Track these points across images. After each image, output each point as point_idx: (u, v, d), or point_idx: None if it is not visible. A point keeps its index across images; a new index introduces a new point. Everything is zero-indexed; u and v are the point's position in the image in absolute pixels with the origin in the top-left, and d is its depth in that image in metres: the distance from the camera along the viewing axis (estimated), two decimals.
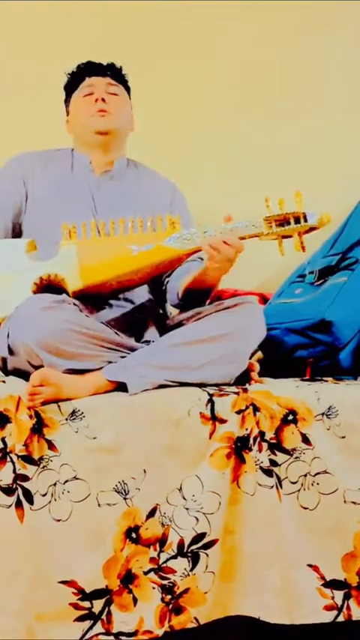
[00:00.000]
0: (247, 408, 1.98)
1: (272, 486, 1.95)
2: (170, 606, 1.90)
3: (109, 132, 2.34)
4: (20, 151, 2.41)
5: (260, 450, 1.96)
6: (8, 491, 1.84)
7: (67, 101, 2.42)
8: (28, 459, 1.86)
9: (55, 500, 1.87)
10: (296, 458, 1.99)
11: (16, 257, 2.16)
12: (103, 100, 2.32)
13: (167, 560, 1.91)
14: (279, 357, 2.56)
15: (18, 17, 2.97)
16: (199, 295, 2.21)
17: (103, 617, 1.87)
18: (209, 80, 3.06)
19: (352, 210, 2.91)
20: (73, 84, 2.39)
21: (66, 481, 1.88)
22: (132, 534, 1.91)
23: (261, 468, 1.95)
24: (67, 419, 1.90)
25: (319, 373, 2.49)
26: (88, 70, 2.37)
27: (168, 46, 2.98)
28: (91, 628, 1.86)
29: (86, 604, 1.86)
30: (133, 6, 2.98)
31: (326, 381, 2.30)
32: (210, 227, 2.06)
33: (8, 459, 1.85)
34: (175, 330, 2.13)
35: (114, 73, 2.38)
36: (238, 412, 1.98)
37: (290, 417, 2.01)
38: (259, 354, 2.44)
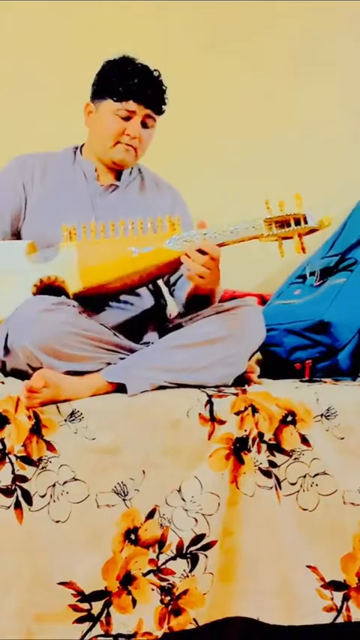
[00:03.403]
0: (246, 409, 1.98)
1: (271, 487, 1.95)
2: (169, 608, 1.89)
3: (126, 165, 2.32)
4: (20, 151, 2.40)
5: (259, 451, 1.96)
6: (7, 492, 1.84)
7: (98, 91, 2.26)
8: (27, 459, 1.86)
9: (54, 501, 1.87)
10: (295, 459, 1.99)
11: (16, 259, 2.16)
12: (135, 137, 2.23)
13: (166, 561, 1.91)
14: (278, 358, 2.57)
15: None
16: (198, 302, 2.19)
17: (102, 618, 1.87)
18: (208, 82, 3.06)
19: (351, 211, 2.92)
20: (116, 87, 2.21)
21: (65, 482, 1.88)
22: (131, 535, 1.91)
23: (260, 469, 1.95)
24: (66, 420, 1.90)
25: (318, 374, 2.49)
26: (136, 93, 2.20)
27: (167, 47, 2.98)
28: (90, 629, 1.86)
29: (85, 605, 1.86)
30: (130, 5, 3.00)
31: (325, 382, 2.30)
32: (210, 229, 2.06)
33: (7, 459, 1.85)
34: (174, 331, 2.13)
35: (158, 105, 2.25)
36: (237, 413, 1.98)
37: (289, 418, 2.01)
38: (258, 355, 2.44)
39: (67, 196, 2.29)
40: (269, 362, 2.58)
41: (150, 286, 2.29)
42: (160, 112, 2.28)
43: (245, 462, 1.95)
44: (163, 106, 2.28)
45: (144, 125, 2.25)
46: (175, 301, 2.32)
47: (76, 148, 2.38)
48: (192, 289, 2.17)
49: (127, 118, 2.23)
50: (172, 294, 2.33)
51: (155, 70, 2.27)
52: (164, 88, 2.27)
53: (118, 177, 2.33)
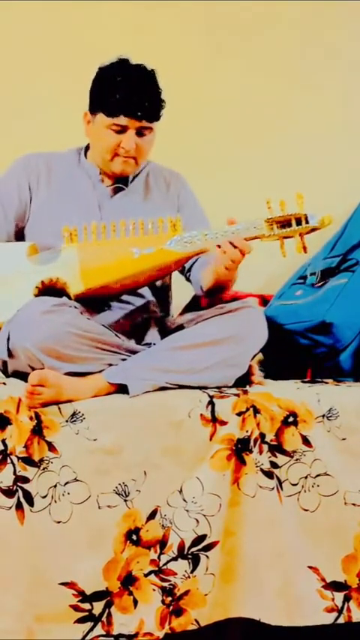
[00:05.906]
0: (247, 409, 1.98)
1: (273, 488, 1.95)
2: (171, 608, 1.90)
3: (127, 174, 2.30)
4: (22, 152, 2.40)
5: (261, 452, 1.96)
6: (9, 493, 1.84)
7: (92, 103, 2.24)
8: (28, 460, 1.86)
9: (56, 502, 1.87)
10: (297, 460, 1.99)
11: (18, 260, 2.16)
12: (131, 149, 2.21)
13: (168, 562, 1.92)
14: (279, 358, 2.56)
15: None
16: (216, 291, 2.25)
17: (104, 618, 1.87)
18: (209, 83, 3.06)
19: (352, 212, 2.91)
20: (106, 102, 2.19)
21: (66, 483, 1.88)
22: (132, 536, 1.91)
23: (261, 469, 1.95)
24: (67, 421, 1.90)
25: (320, 375, 2.49)
26: (126, 107, 2.16)
27: (168, 47, 2.98)
28: (91, 630, 1.86)
29: (86, 606, 1.87)
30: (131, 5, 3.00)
31: (327, 382, 2.30)
32: (211, 229, 2.06)
33: (9, 460, 1.85)
34: (176, 333, 2.13)
35: (152, 114, 2.20)
36: (239, 414, 1.98)
37: (291, 419, 2.01)
38: (260, 356, 2.43)
39: (73, 198, 2.29)
40: (271, 362, 2.58)
41: (152, 286, 2.29)
42: (155, 119, 2.22)
43: (247, 463, 1.95)
44: (159, 112, 2.22)
45: (141, 134, 2.21)
46: (192, 285, 2.33)
47: (80, 150, 2.38)
48: (213, 282, 2.19)
49: (121, 131, 2.20)
50: (188, 279, 2.34)
51: (151, 71, 2.21)
52: (159, 91, 2.21)
53: (122, 179, 2.33)
